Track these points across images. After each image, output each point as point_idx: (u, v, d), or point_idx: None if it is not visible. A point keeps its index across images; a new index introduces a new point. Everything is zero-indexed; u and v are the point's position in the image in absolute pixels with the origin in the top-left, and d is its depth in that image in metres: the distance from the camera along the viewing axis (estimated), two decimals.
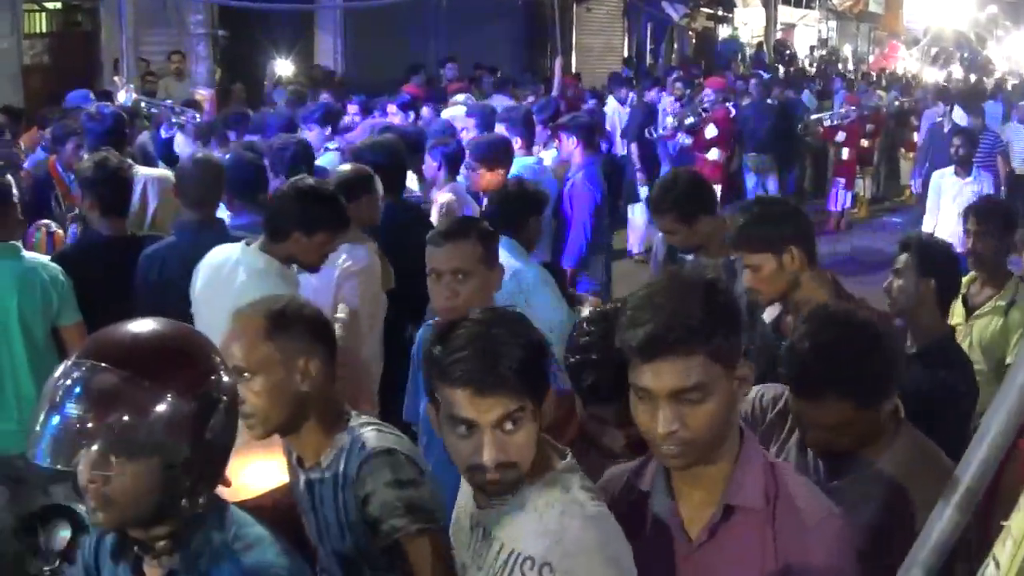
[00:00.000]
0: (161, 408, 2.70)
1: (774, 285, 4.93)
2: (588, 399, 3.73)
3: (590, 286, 9.31)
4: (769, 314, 5.30)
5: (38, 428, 2.71)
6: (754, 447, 3.11)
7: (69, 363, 2.76)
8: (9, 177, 6.78)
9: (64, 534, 3.83)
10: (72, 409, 2.68)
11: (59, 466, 2.70)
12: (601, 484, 3.27)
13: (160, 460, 2.72)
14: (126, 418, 2.67)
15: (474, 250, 4.83)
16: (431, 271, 4.86)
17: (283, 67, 17.14)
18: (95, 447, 2.67)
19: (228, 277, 5.71)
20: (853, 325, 3.83)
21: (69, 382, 2.71)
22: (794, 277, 4.89)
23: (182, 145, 11.28)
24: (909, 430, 3.93)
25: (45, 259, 6.52)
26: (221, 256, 5.86)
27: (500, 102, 14.54)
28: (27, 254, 6.47)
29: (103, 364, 2.71)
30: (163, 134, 11.34)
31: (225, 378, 2.90)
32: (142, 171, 8.44)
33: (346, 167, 7.22)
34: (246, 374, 3.55)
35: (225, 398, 2.86)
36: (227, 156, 7.74)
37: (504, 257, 5.44)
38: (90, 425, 2.66)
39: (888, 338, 3.87)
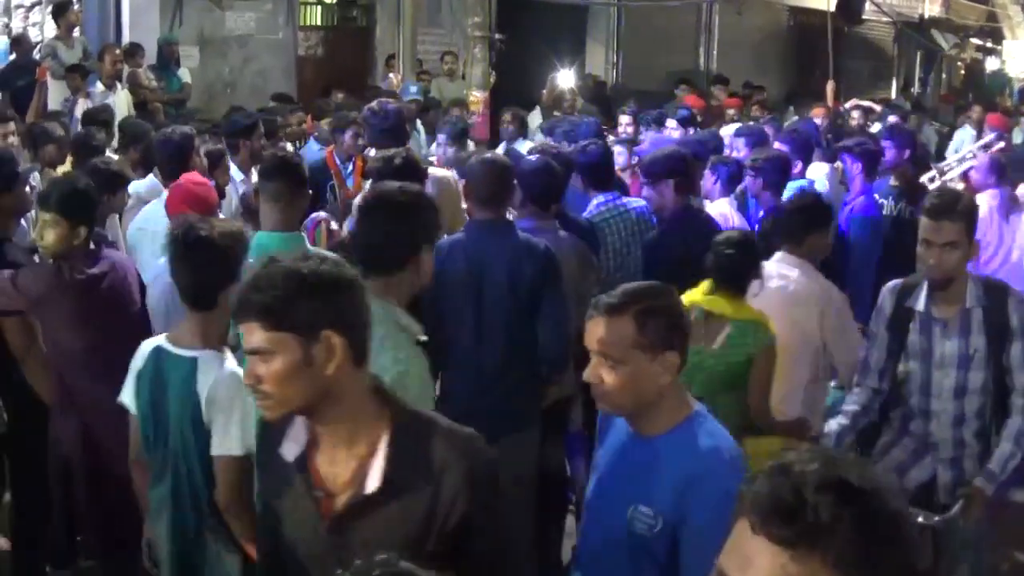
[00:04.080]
0: None
1: (290, 388, 3.24)
2: None
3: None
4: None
5: None
6: None
7: None
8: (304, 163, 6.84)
9: None
10: None
11: None
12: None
13: None
14: None
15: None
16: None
17: (565, 79, 17.11)
18: None
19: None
20: None
21: None
22: (328, 381, 3.24)
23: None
24: None
25: (328, 253, 6.51)
26: None
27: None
28: (310, 246, 6.49)
29: None
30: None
31: None
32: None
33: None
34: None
35: None
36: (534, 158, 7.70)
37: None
38: None
39: None
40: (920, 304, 5.86)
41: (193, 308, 4.93)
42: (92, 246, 6.21)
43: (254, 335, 3.20)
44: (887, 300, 6.04)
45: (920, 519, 5.59)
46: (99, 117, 11.54)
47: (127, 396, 5.04)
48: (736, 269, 6.20)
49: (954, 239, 5.60)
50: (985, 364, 5.77)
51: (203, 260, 4.87)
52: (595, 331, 3.86)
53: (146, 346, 5.04)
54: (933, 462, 5.99)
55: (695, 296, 6.17)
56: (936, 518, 5.67)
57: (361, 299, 3.34)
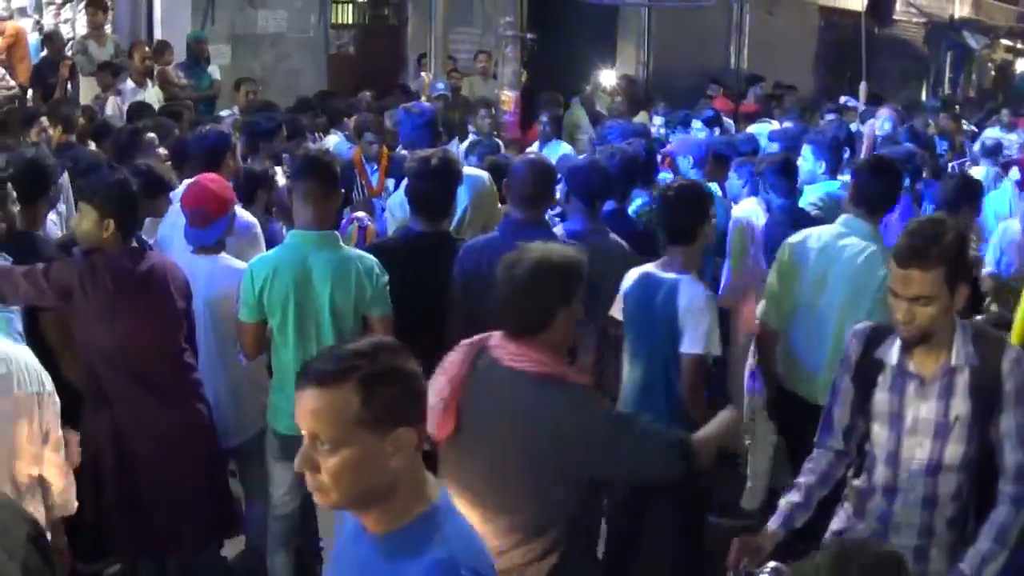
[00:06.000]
0: None
1: None
2: None
3: None
4: None
5: None
6: None
7: None
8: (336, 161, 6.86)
9: None
10: None
11: None
12: None
13: None
14: None
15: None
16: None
17: (606, 77, 17.16)
18: None
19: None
20: None
21: None
22: None
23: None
24: None
25: (361, 252, 6.53)
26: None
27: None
28: (344, 245, 6.49)
29: None
30: None
31: None
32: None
33: None
34: None
35: None
36: (580, 157, 7.73)
37: None
38: None
39: None
40: (892, 356, 4.73)
41: (676, 243, 6.25)
42: (134, 244, 6.21)
43: None
44: (853, 346, 4.93)
45: None
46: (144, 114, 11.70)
47: (616, 311, 6.44)
48: None
49: (927, 292, 4.45)
50: (967, 436, 4.59)
51: (687, 205, 6.22)
52: (305, 405, 3.04)
53: (634, 272, 6.39)
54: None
55: None
56: None
57: None
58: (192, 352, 6.35)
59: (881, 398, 4.74)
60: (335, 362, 3.04)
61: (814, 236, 6.81)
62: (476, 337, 4.69)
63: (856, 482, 4.99)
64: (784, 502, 4.89)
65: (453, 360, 4.61)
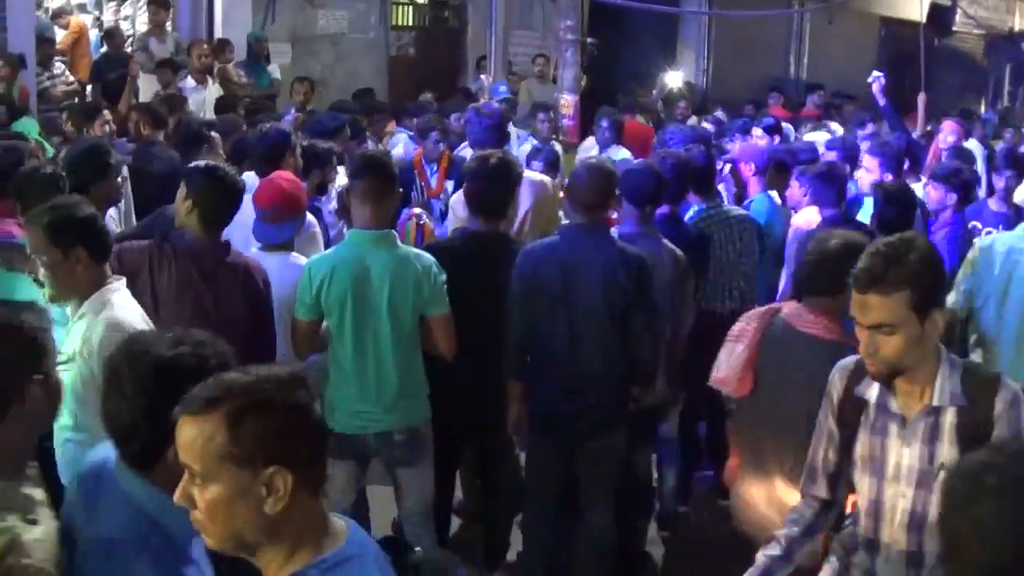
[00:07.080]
0: None
1: None
2: None
3: None
4: None
5: None
6: None
7: None
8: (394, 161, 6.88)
9: None
10: None
11: None
12: None
13: None
14: None
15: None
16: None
17: (672, 78, 17.13)
18: None
19: None
20: None
21: None
22: None
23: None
24: None
25: (419, 251, 6.54)
26: None
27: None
28: (401, 244, 6.50)
29: None
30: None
31: None
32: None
33: None
34: None
35: None
36: (636, 162, 7.70)
37: None
38: None
39: None
40: (872, 393, 4.27)
41: (887, 235, 6.44)
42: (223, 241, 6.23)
43: None
44: (835, 384, 4.45)
45: None
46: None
47: None
48: None
49: (888, 320, 3.97)
50: None
51: (902, 201, 7.21)
52: (178, 435, 2.86)
53: None
54: None
55: None
56: None
57: None
58: (264, 351, 6.28)
59: (863, 441, 4.28)
60: (208, 390, 2.84)
61: (999, 240, 7.63)
62: (765, 307, 5.67)
63: (842, 534, 4.60)
64: (763, 555, 4.43)
65: (745, 327, 5.57)
